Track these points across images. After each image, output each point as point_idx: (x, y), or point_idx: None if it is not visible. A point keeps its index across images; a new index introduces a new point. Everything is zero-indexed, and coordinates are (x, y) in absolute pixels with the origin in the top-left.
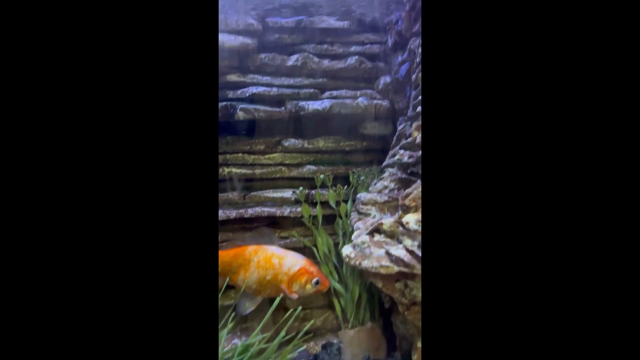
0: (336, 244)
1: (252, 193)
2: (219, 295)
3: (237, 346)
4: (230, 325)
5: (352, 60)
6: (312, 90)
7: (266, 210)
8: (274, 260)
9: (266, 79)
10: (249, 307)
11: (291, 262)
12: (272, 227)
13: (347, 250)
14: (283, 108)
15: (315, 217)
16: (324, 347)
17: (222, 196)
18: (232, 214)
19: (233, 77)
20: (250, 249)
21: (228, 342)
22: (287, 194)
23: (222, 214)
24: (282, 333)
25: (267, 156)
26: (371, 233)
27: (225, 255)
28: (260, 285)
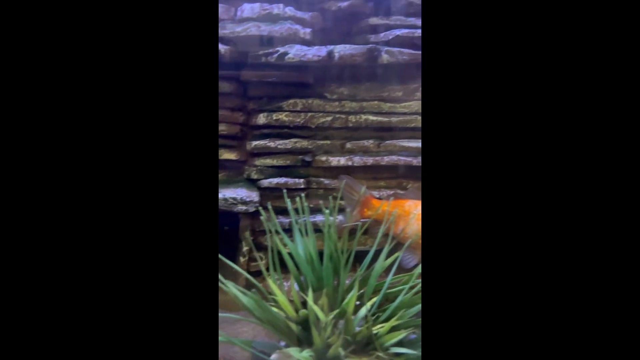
0: None
1: (386, 142)
2: (377, 240)
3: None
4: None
5: None
6: None
7: (402, 159)
8: None
9: (410, 19)
10: (412, 260)
11: None
12: (406, 177)
13: None
14: None
15: None
16: None
17: (357, 143)
18: (369, 160)
19: (375, 20)
20: (411, 202)
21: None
22: None
23: (360, 160)
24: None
25: (403, 104)
26: None
27: (386, 204)
28: (419, 237)
